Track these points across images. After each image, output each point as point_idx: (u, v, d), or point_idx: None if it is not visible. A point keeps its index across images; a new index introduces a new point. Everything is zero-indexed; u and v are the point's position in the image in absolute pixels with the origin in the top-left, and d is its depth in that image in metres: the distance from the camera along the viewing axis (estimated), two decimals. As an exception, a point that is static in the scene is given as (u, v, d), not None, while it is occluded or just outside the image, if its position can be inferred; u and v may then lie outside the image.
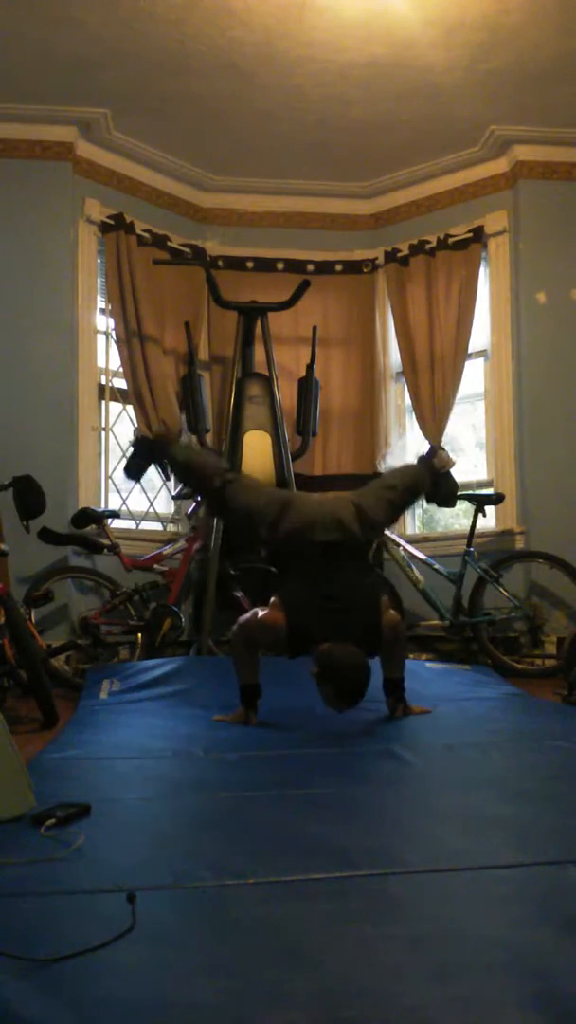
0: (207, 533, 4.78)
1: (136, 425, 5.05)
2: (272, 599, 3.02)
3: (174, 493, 5.25)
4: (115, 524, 4.80)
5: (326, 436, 5.45)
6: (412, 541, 5.15)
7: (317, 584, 2.94)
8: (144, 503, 5.29)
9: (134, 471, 3.58)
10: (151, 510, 5.30)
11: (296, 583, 3.03)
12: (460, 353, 5.20)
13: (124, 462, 4.93)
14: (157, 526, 5.30)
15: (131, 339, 5.03)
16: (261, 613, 3.00)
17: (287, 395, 5.13)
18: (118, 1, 3.88)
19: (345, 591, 2.93)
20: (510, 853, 1.52)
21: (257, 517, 3.11)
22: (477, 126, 4.92)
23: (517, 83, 4.51)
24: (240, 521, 3.25)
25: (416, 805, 1.96)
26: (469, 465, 5.60)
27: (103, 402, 5.09)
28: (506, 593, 4.61)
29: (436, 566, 4.79)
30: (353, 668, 2.75)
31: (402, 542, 4.95)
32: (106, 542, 4.55)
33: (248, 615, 3.08)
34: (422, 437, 5.27)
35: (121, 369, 5.08)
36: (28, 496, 3.93)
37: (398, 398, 5.63)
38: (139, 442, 3.61)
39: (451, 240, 5.28)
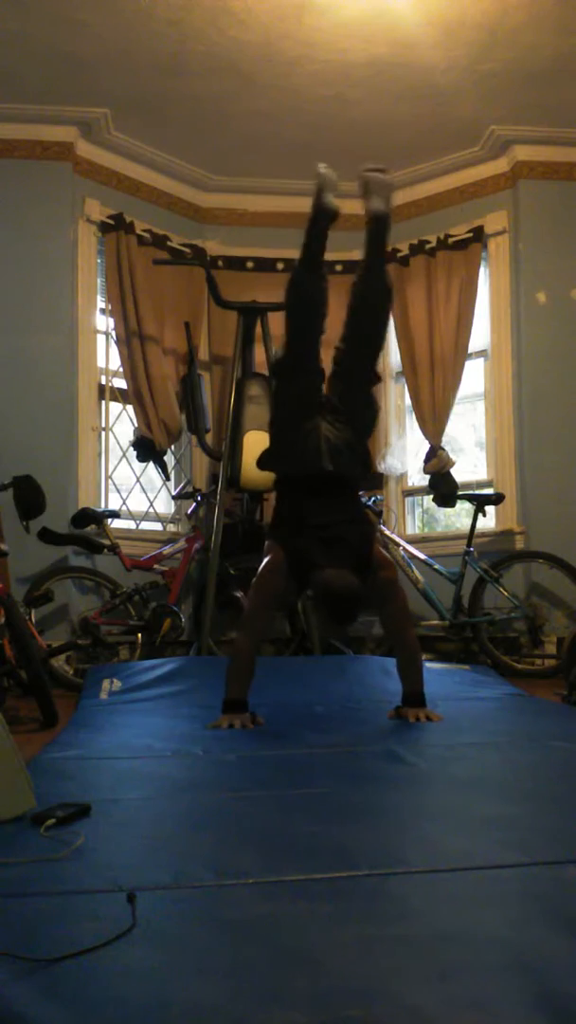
0: (207, 534, 4.79)
1: (136, 425, 5.05)
2: (267, 543, 3.08)
3: (174, 493, 5.25)
4: (115, 524, 4.80)
5: (326, 436, 5.44)
6: (412, 541, 5.16)
7: (311, 515, 2.99)
8: (144, 503, 5.29)
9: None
10: (151, 510, 5.31)
11: (289, 519, 3.06)
12: (460, 353, 5.20)
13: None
14: (157, 526, 5.30)
15: (131, 339, 5.03)
16: (256, 577, 3.05)
17: (287, 395, 5.12)
18: (118, 1, 3.88)
19: (337, 522, 2.97)
20: (510, 853, 1.52)
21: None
22: (477, 126, 4.92)
23: (517, 83, 4.51)
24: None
25: (416, 805, 1.96)
26: (469, 465, 5.61)
27: (103, 402, 5.09)
28: (506, 593, 4.61)
29: (436, 566, 4.79)
30: (345, 588, 2.80)
31: (402, 542, 4.95)
32: (106, 542, 4.55)
33: (246, 611, 3.11)
34: (422, 437, 5.28)
35: (121, 369, 5.08)
36: (28, 496, 3.94)
37: (398, 398, 5.63)
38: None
39: (451, 240, 5.28)
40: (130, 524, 5.16)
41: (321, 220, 3.08)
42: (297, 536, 2.97)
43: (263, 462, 3.24)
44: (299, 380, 3.16)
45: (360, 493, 3.24)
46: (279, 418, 3.24)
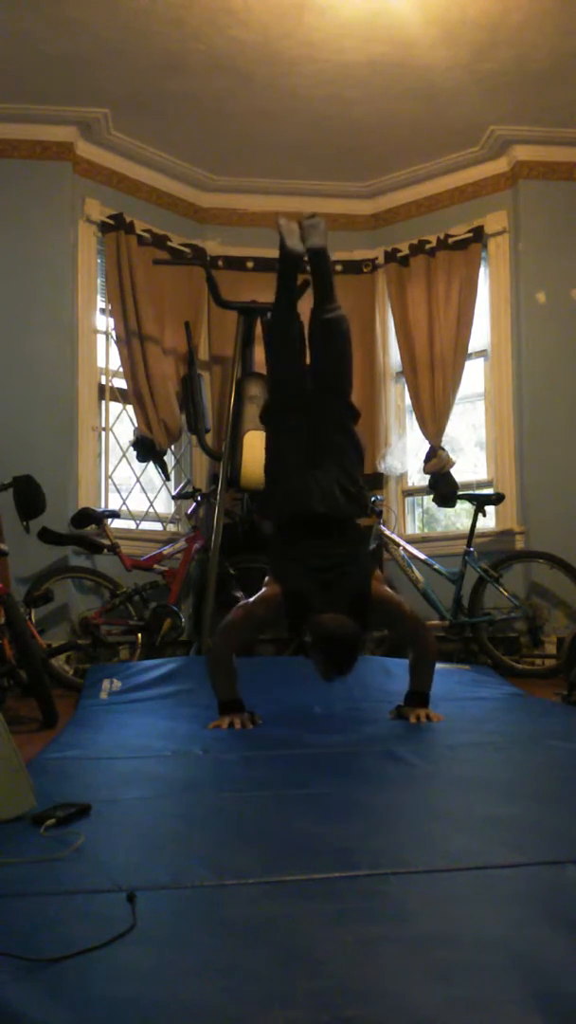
0: (208, 534, 4.79)
1: (136, 425, 5.05)
2: (267, 577, 3.08)
3: (174, 493, 5.25)
4: (115, 524, 4.80)
5: (326, 436, 5.45)
6: (412, 541, 5.16)
7: (309, 556, 2.99)
8: (144, 503, 5.29)
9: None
10: (151, 510, 5.30)
11: (289, 556, 3.06)
12: (460, 353, 5.20)
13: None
14: (157, 526, 5.30)
15: (131, 339, 5.03)
16: (251, 599, 3.05)
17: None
18: (118, 1, 3.88)
19: (336, 563, 2.97)
20: (510, 853, 1.52)
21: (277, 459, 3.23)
22: (477, 126, 4.92)
23: (517, 83, 4.51)
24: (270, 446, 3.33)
25: (416, 805, 1.96)
26: (469, 465, 5.61)
27: (103, 402, 5.09)
28: (506, 593, 4.61)
29: (436, 566, 4.79)
30: (343, 636, 2.78)
31: (402, 542, 4.95)
32: (106, 542, 4.55)
33: (225, 620, 3.08)
34: (422, 437, 5.28)
35: (121, 369, 5.08)
36: (28, 496, 3.94)
37: (398, 398, 5.63)
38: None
39: (451, 240, 5.28)
40: (130, 524, 5.16)
41: (289, 263, 3.24)
42: (297, 577, 2.95)
43: (260, 510, 3.29)
44: (287, 423, 3.23)
45: (358, 530, 3.23)
46: (270, 463, 3.29)
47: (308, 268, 3.34)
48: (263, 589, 3.04)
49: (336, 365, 3.28)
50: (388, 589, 3.11)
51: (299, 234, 3.23)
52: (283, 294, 3.26)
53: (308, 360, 3.33)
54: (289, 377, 3.27)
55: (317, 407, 3.24)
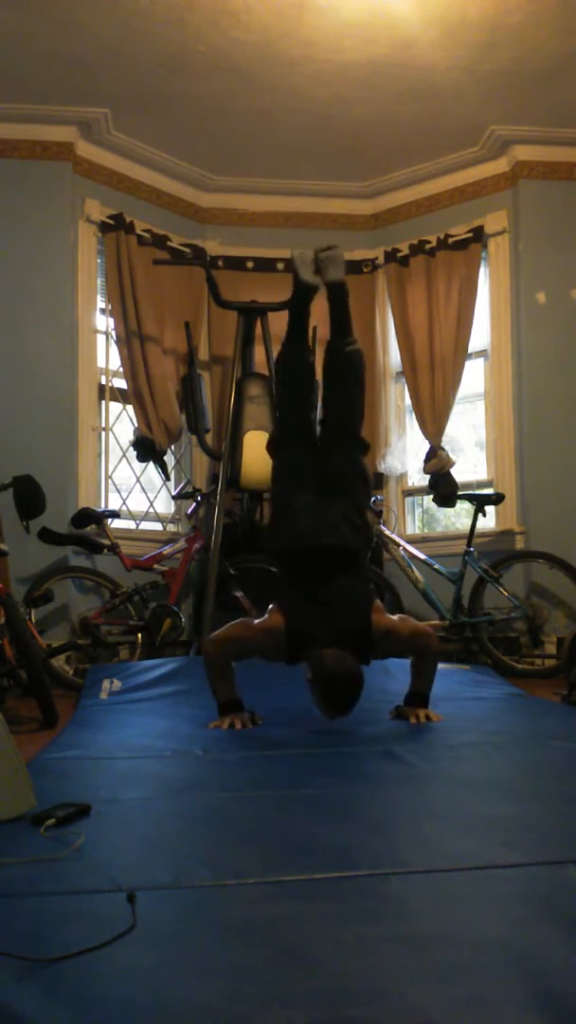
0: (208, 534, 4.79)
1: (136, 425, 5.05)
2: (271, 605, 3.04)
3: (174, 493, 5.25)
4: (115, 524, 4.80)
5: (326, 436, 5.45)
6: (412, 541, 5.16)
7: (314, 588, 2.97)
8: (144, 503, 5.29)
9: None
10: (151, 510, 5.31)
11: (294, 588, 3.04)
12: (460, 353, 5.20)
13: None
14: (157, 526, 5.30)
15: (131, 339, 5.03)
16: (255, 622, 3.01)
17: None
18: (118, 1, 3.88)
19: (340, 596, 2.95)
20: (510, 853, 1.52)
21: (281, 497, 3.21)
22: (477, 126, 4.92)
23: (517, 83, 4.51)
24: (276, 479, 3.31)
25: (416, 805, 1.96)
26: (469, 465, 5.61)
27: (103, 402, 5.09)
28: (506, 593, 4.61)
29: (436, 566, 4.79)
30: (345, 676, 2.74)
31: (402, 542, 4.95)
32: (106, 542, 4.55)
33: (220, 631, 3.06)
34: (422, 437, 5.28)
35: (121, 369, 5.09)
36: (28, 496, 3.93)
37: (398, 398, 5.63)
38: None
39: (451, 240, 5.28)
40: (130, 524, 5.16)
41: (303, 297, 3.18)
42: (299, 610, 2.93)
43: (267, 540, 3.27)
44: (294, 455, 3.20)
45: (361, 563, 3.21)
46: (276, 494, 3.27)
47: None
48: (267, 616, 3.00)
49: (349, 399, 3.24)
50: (389, 617, 3.05)
51: (314, 266, 3.14)
52: (295, 326, 3.20)
53: (321, 395, 3.30)
54: (299, 409, 3.23)
55: (327, 439, 3.22)
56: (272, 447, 3.35)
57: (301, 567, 3.06)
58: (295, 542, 3.09)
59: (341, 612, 2.92)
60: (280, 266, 5.46)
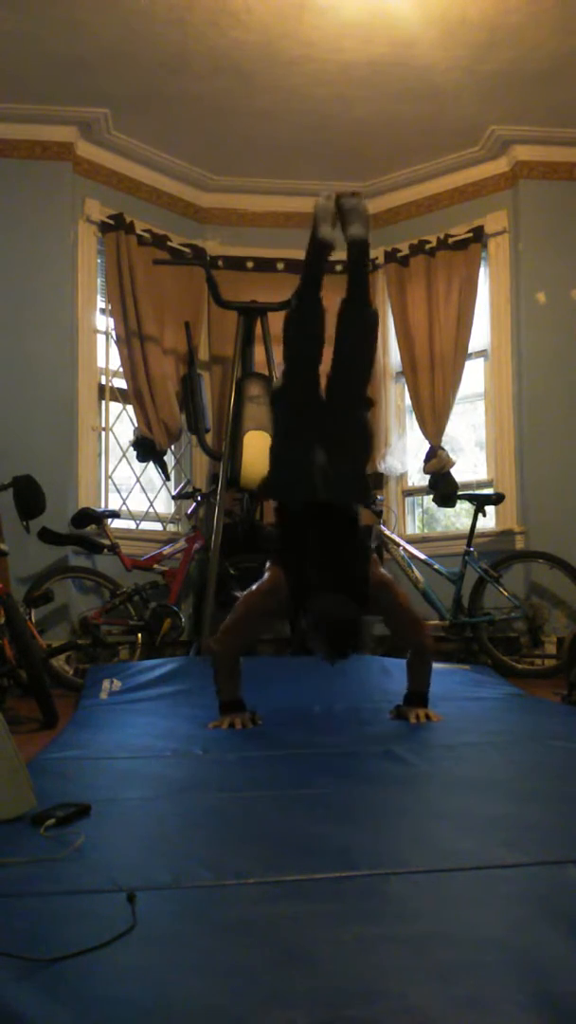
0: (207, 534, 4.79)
1: (136, 425, 5.05)
2: (268, 563, 3.08)
3: (174, 493, 5.25)
4: (115, 524, 4.80)
5: (326, 436, 5.45)
6: (412, 541, 5.16)
7: (313, 542, 2.99)
8: (144, 503, 5.29)
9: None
10: (151, 510, 5.31)
11: (293, 542, 3.07)
12: (460, 353, 5.20)
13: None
14: (157, 526, 5.30)
15: (131, 339, 5.03)
16: (253, 588, 3.05)
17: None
18: (118, 1, 3.88)
19: (336, 550, 2.97)
20: (510, 853, 1.52)
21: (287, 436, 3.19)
22: (477, 126, 4.92)
23: (517, 83, 4.51)
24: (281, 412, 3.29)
25: (416, 805, 1.96)
26: (469, 465, 5.61)
27: (103, 402, 5.09)
28: (506, 593, 4.61)
29: (436, 566, 4.79)
30: (344, 617, 2.79)
31: (402, 542, 4.95)
32: (106, 542, 4.55)
33: (224, 622, 3.08)
34: (422, 437, 5.28)
35: (121, 369, 5.08)
36: (28, 496, 3.93)
37: (398, 398, 5.63)
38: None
39: (451, 240, 5.28)
40: (130, 524, 5.16)
41: (320, 253, 3.10)
42: (298, 562, 2.96)
43: (264, 491, 3.26)
44: (298, 409, 3.19)
45: (359, 520, 3.23)
46: (277, 447, 3.27)
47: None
48: (264, 576, 3.04)
49: (360, 356, 3.22)
50: (388, 575, 3.12)
51: (333, 218, 3.07)
52: (309, 279, 3.12)
53: (332, 350, 3.23)
54: (306, 363, 3.18)
55: (333, 394, 3.19)
56: (275, 399, 3.32)
57: (299, 521, 3.08)
58: (294, 495, 3.11)
59: (339, 564, 2.94)
60: (280, 266, 5.46)
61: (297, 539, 3.05)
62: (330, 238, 3.06)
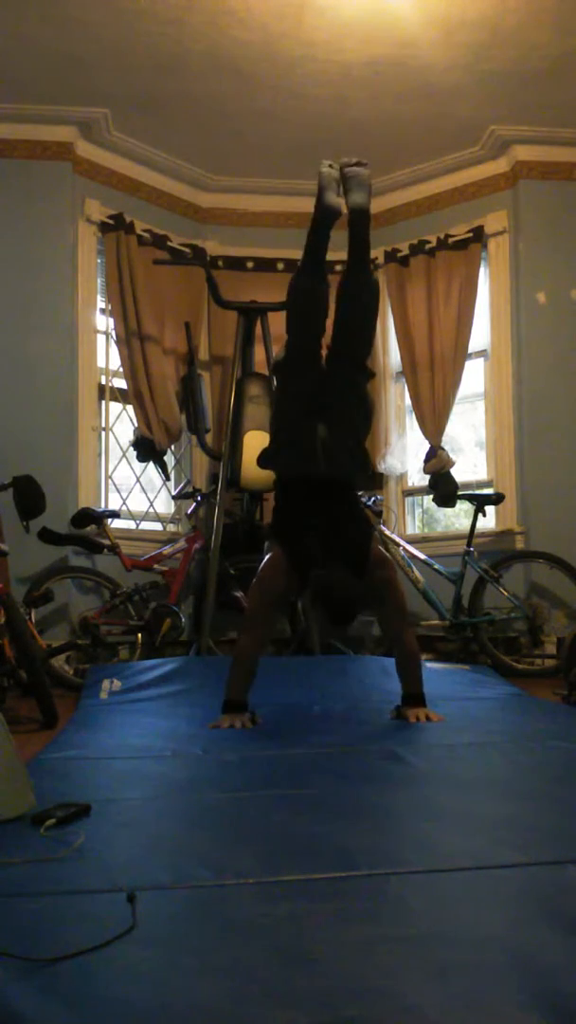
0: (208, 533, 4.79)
1: (136, 425, 5.05)
2: (267, 543, 3.13)
3: (174, 493, 5.25)
4: (115, 524, 4.80)
5: (326, 436, 5.45)
6: (412, 541, 5.16)
7: (309, 516, 3.01)
8: (144, 503, 5.29)
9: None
10: (151, 510, 5.31)
11: (290, 514, 3.09)
12: (460, 353, 5.20)
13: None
14: (157, 526, 5.30)
15: (131, 339, 5.03)
16: (259, 569, 3.06)
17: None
18: (118, 1, 3.88)
19: (335, 522, 2.99)
20: (510, 853, 1.52)
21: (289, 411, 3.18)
22: (477, 126, 4.92)
23: (517, 83, 4.51)
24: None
25: (416, 805, 1.96)
26: (469, 465, 5.61)
27: (103, 402, 5.09)
28: (506, 593, 4.61)
29: (436, 566, 4.79)
30: (344, 587, 2.83)
31: (402, 542, 4.95)
32: (106, 542, 4.55)
33: (246, 611, 3.12)
34: (422, 437, 5.28)
35: (121, 369, 5.08)
36: (28, 496, 3.93)
37: (398, 398, 5.63)
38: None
39: (451, 240, 5.28)
40: (130, 524, 5.16)
41: (324, 220, 3.04)
42: (297, 536, 2.98)
43: (262, 460, 3.24)
44: (299, 381, 3.16)
45: (359, 493, 3.24)
46: (278, 418, 3.25)
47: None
48: (265, 557, 3.06)
49: (361, 326, 3.20)
50: (387, 553, 3.14)
51: (338, 185, 3.05)
52: (312, 251, 3.09)
53: (333, 321, 3.22)
54: (308, 335, 3.15)
55: (334, 366, 3.17)
56: (278, 370, 3.29)
57: (300, 494, 3.09)
58: (295, 468, 3.11)
59: (339, 538, 2.96)
60: (280, 266, 5.46)
61: (297, 510, 3.06)
62: (336, 205, 3.01)
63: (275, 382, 3.31)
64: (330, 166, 3.07)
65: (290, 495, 3.14)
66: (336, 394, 3.13)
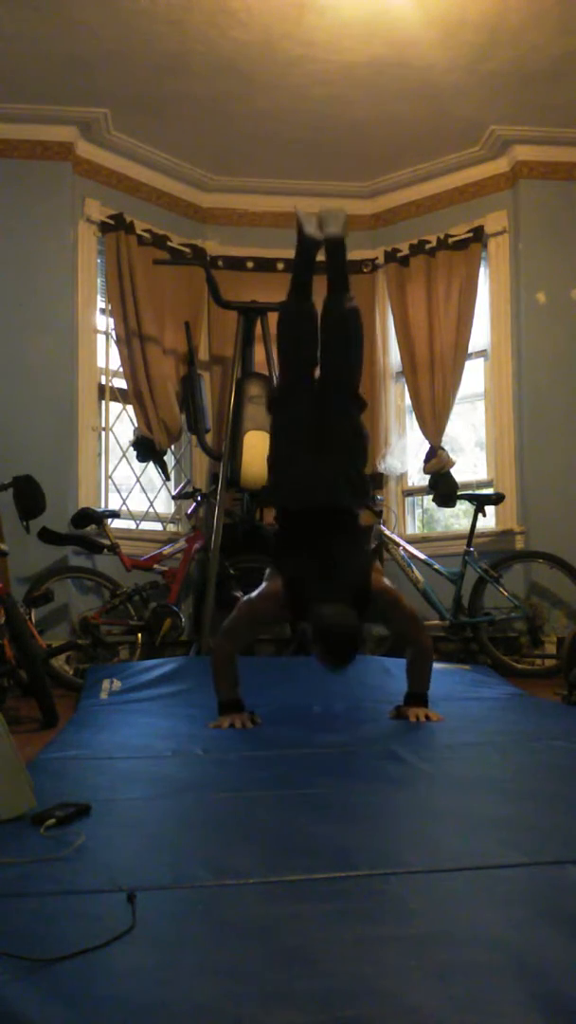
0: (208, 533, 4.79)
1: (136, 425, 5.05)
2: (268, 571, 3.08)
3: (174, 493, 5.25)
4: (115, 524, 4.80)
5: (326, 436, 5.45)
6: (412, 541, 5.16)
7: (313, 547, 2.99)
8: (144, 503, 5.29)
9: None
10: (151, 510, 5.31)
11: (291, 546, 3.07)
12: (460, 353, 5.20)
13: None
14: (157, 526, 5.30)
15: (131, 339, 5.03)
16: (254, 594, 3.04)
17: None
18: (118, 1, 3.88)
19: (336, 554, 2.97)
20: (510, 853, 1.52)
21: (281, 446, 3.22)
22: (477, 126, 4.92)
23: (517, 83, 4.51)
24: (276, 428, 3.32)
25: (416, 805, 1.96)
26: (469, 465, 5.61)
27: (103, 402, 5.09)
28: (506, 593, 4.61)
29: (436, 566, 4.79)
30: (343, 627, 2.78)
31: (402, 542, 4.95)
32: (106, 542, 4.55)
33: (228, 619, 3.09)
34: (422, 437, 5.28)
35: (121, 369, 5.09)
36: (28, 496, 3.94)
37: (398, 398, 5.63)
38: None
39: (451, 240, 5.28)
40: (130, 524, 5.16)
41: (307, 251, 3.19)
42: (297, 568, 2.96)
43: (265, 497, 3.28)
44: (294, 412, 3.20)
45: (359, 523, 3.23)
46: (276, 451, 3.27)
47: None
48: (264, 584, 3.04)
49: (346, 355, 3.24)
50: (387, 582, 3.12)
51: (317, 222, 3.19)
52: (298, 281, 3.20)
53: (319, 352, 3.29)
54: (300, 365, 3.22)
55: (325, 396, 3.21)
56: (272, 404, 3.34)
57: (300, 526, 3.08)
58: (294, 500, 3.11)
59: (340, 570, 2.94)
60: (280, 266, 5.46)
61: (297, 545, 3.04)
62: (316, 235, 3.16)
63: (271, 418, 3.32)
64: (305, 211, 3.25)
65: (291, 526, 3.13)
66: (331, 424, 3.17)
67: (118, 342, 5.04)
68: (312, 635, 2.83)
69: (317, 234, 3.16)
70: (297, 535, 3.08)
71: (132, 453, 5.11)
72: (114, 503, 5.08)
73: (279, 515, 3.23)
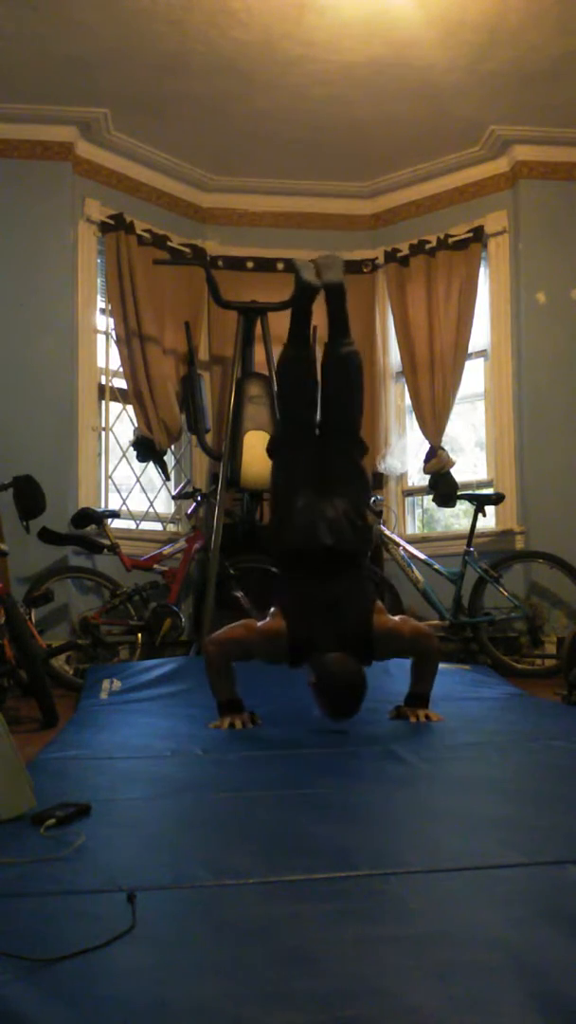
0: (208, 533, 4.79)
1: (136, 425, 5.05)
2: (272, 608, 3.03)
3: (174, 493, 5.25)
4: (115, 524, 4.80)
5: (326, 436, 5.45)
6: (412, 541, 5.16)
7: (315, 590, 2.97)
8: (144, 503, 5.29)
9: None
10: (151, 510, 5.31)
11: (296, 591, 3.04)
12: (460, 353, 5.20)
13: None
14: (157, 526, 5.30)
15: (131, 339, 5.03)
16: (258, 624, 3.00)
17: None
18: (118, 1, 3.88)
19: (341, 598, 2.95)
20: (510, 853, 1.52)
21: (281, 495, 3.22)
22: (477, 126, 4.92)
23: (517, 83, 4.51)
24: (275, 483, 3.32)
25: (416, 805, 1.96)
26: (469, 465, 5.61)
27: (103, 402, 5.09)
28: (506, 593, 4.61)
29: (436, 566, 4.79)
30: (348, 679, 2.75)
31: (402, 542, 4.95)
32: (106, 542, 4.55)
33: (221, 631, 3.07)
34: (422, 437, 5.28)
35: (121, 369, 5.09)
36: (28, 496, 3.94)
37: (398, 398, 5.63)
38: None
39: (451, 240, 5.28)
40: (130, 524, 5.16)
41: (304, 297, 3.22)
42: (300, 613, 2.93)
43: (269, 542, 3.29)
44: (296, 455, 3.21)
45: (363, 566, 3.22)
46: (278, 494, 3.26)
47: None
48: (268, 620, 2.99)
49: (347, 400, 3.26)
50: (390, 618, 3.05)
51: (315, 269, 3.22)
52: (297, 329, 3.23)
53: (320, 397, 3.30)
54: (300, 411, 3.25)
55: (326, 440, 3.23)
56: (273, 448, 3.36)
57: (302, 569, 3.06)
58: (296, 543, 3.09)
59: (343, 614, 2.92)
60: (280, 266, 5.46)
61: (299, 590, 3.02)
62: (314, 282, 3.19)
63: (273, 459, 3.32)
64: (302, 260, 3.28)
65: (294, 569, 3.11)
66: (333, 467, 3.18)
67: (118, 342, 5.04)
68: (315, 686, 2.81)
69: (315, 281, 3.19)
70: (298, 579, 3.06)
71: (132, 453, 5.11)
72: (114, 503, 5.08)
73: (280, 557, 3.22)
